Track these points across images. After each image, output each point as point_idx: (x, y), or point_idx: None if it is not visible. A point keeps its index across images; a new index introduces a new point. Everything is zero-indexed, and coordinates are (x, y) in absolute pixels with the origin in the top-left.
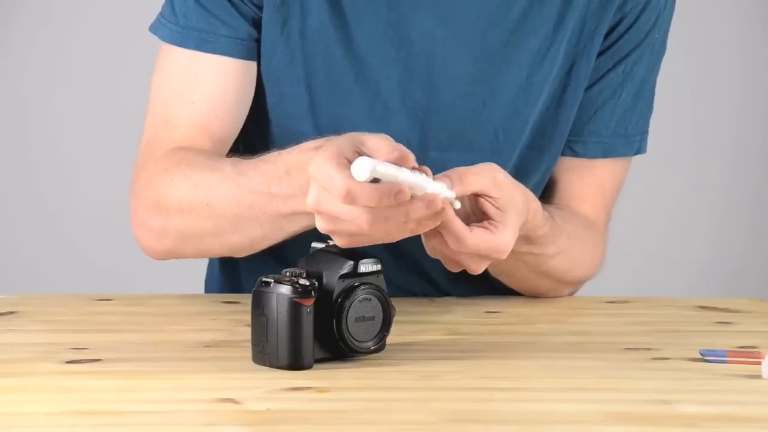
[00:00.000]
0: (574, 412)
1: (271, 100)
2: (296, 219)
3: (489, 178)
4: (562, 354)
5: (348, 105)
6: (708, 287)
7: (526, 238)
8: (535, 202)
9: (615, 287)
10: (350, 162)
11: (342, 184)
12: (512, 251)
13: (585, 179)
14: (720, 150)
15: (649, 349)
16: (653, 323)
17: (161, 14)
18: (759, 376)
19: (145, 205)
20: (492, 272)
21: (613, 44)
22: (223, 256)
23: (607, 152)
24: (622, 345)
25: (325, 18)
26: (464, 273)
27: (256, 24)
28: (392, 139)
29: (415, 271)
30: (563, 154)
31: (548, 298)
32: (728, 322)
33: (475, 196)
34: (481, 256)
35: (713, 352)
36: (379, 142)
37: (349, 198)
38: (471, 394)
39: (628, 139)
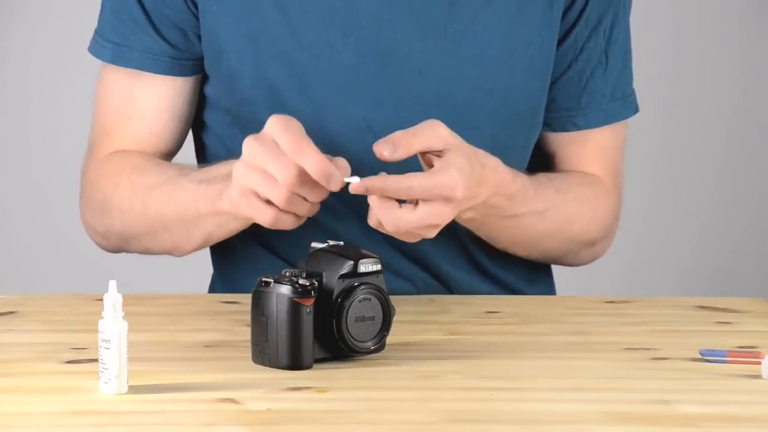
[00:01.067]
0: (574, 412)
1: (232, 105)
2: (212, 219)
3: (431, 135)
4: (562, 354)
5: (308, 98)
6: (709, 287)
7: (506, 196)
8: (492, 159)
9: (615, 287)
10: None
11: (295, 134)
12: (501, 216)
13: (587, 148)
14: (716, 149)
15: (649, 349)
16: (653, 323)
17: (95, 28)
18: (759, 376)
19: (91, 208)
20: (499, 245)
21: (581, 14)
22: (162, 254)
23: (609, 118)
24: (622, 345)
25: (268, 18)
26: (462, 256)
27: (181, 39)
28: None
29: (411, 258)
30: (565, 129)
31: (568, 265)
32: (728, 322)
33: (422, 156)
34: (435, 203)
35: (713, 352)
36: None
37: (299, 147)
38: (471, 394)
39: (626, 101)
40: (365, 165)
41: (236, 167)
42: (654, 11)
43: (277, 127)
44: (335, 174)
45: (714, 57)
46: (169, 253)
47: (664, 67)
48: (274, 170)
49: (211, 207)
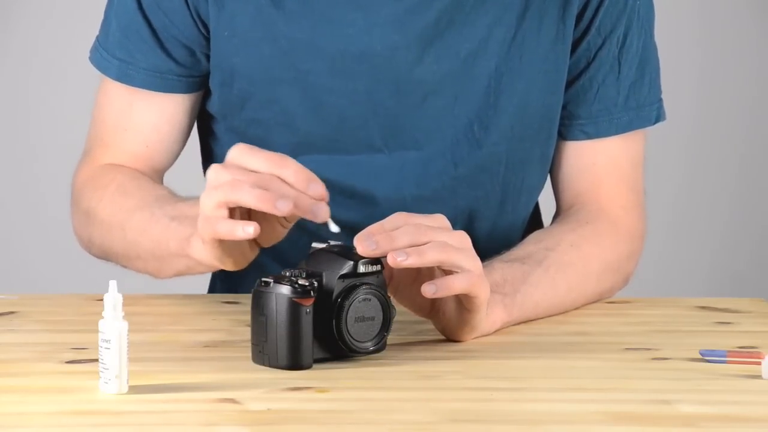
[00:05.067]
0: (574, 412)
1: (240, 123)
2: (182, 260)
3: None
4: (562, 354)
5: (320, 120)
6: (710, 289)
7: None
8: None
9: None
10: None
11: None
12: (513, 300)
13: (598, 160)
14: (724, 152)
15: (649, 349)
16: (653, 323)
17: (97, 36)
18: (759, 376)
19: (78, 214)
20: (542, 316)
21: (591, 21)
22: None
23: (621, 128)
24: (622, 345)
25: (281, 44)
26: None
27: (188, 58)
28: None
29: None
30: (575, 138)
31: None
32: (728, 322)
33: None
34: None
35: (713, 352)
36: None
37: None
38: (471, 394)
39: (641, 111)
40: (378, 188)
41: (202, 199)
42: (680, 20)
43: (245, 151)
44: (316, 180)
45: (733, 66)
46: (147, 274)
47: (683, 63)
48: (239, 176)
49: (180, 250)
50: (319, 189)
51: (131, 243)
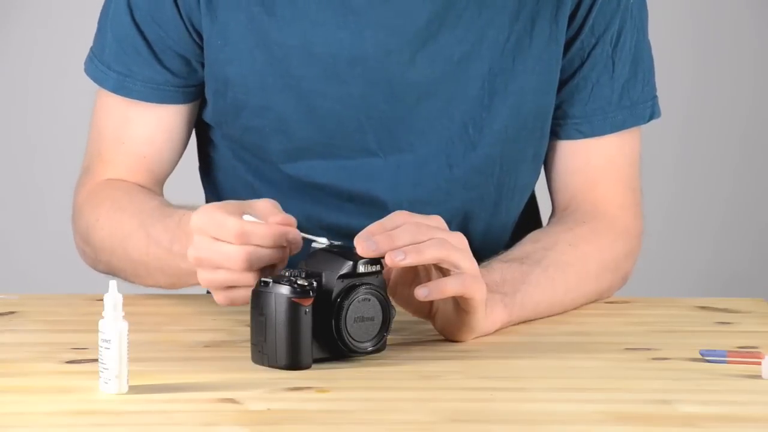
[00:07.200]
0: (574, 412)
1: (235, 132)
2: (194, 276)
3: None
4: (562, 354)
5: (315, 126)
6: (709, 288)
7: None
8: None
9: None
10: (235, 213)
11: (236, 224)
12: (513, 300)
13: (593, 159)
14: (726, 152)
15: (649, 349)
16: (653, 323)
17: (91, 47)
18: (759, 376)
19: (79, 234)
20: (543, 315)
21: (584, 21)
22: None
23: (615, 126)
24: (622, 345)
25: (274, 50)
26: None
27: (184, 68)
28: (278, 204)
29: None
30: (570, 137)
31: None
32: (728, 322)
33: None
34: (431, 228)
35: (713, 352)
36: (265, 206)
37: (244, 237)
38: (471, 394)
39: (635, 109)
40: (374, 191)
41: (189, 251)
42: (674, 19)
43: (210, 225)
44: (288, 232)
45: (729, 63)
46: (159, 288)
47: (682, 63)
48: (226, 275)
49: (190, 266)
50: (295, 237)
51: (137, 262)
